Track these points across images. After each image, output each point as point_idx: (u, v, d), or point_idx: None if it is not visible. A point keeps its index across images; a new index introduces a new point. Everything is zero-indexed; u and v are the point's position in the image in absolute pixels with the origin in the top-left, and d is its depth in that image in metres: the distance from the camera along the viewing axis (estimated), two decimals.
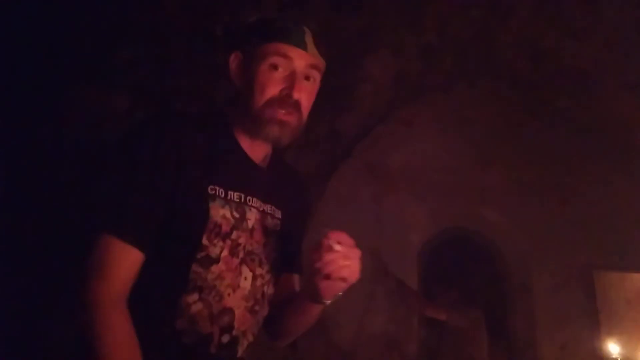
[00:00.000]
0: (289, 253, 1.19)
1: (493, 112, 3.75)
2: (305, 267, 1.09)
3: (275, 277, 1.16)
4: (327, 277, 1.00)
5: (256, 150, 1.13)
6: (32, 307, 2.12)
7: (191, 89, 2.46)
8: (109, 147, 1.06)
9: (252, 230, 1.09)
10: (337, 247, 0.99)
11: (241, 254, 1.07)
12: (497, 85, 3.58)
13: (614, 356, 3.28)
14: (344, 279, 1.01)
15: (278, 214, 1.17)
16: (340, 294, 1.06)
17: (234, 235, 1.06)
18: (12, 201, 2.23)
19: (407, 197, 3.81)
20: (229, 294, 1.04)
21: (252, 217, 1.10)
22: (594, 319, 3.67)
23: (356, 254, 1.02)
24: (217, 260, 1.03)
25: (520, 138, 3.79)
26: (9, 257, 2.13)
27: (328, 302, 1.07)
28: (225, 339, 1.04)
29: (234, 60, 1.12)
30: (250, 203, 1.10)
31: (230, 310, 1.04)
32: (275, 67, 1.06)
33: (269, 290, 1.14)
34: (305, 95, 1.09)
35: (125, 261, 0.96)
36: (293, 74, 1.06)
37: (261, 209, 1.13)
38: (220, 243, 1.03)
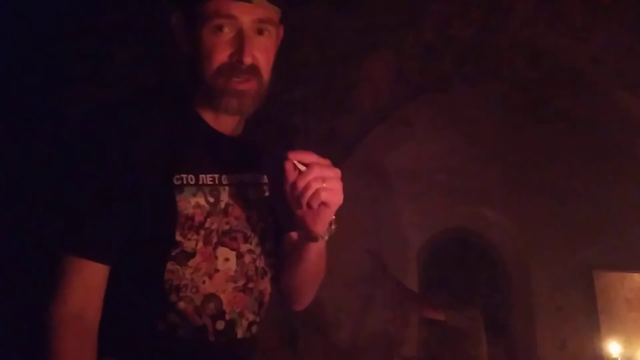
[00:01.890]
0: (286, 214, 1.08)
1: (493, 112, 3.74)
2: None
3: (268, 246, 1.09)
4: (308, 206, 0.91)
5: (223, 122, 1.02)
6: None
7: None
8: (56, 152, 0.99)
9: (225, 209, 1.01)
10: (302, 167, 0.89)
11: (214, 239, 0.99)
12: (497, 85, 3.57)
13: (614, 356, 3.28)
14: (325, 204, 0.91)
15: (263, 179, 1.08)
16: (333, 226, 0.98)
17: (208, 222, 0.98)
18: (12, 202, 2.23)
19: (407, 197, 3.81)
20: (203, 282, 0.98)
21: (224, 196, 1.01)
22: (594, 319, 3.67)
23: (332, 173, 0.91)
24: (193, 254, 0.97)
25: (520, 138, 3.78)
26: (7, 259, 2.13)
27: (323, 236, 0.98)
28: (220, 325, 1.00)
29: (175, 21, 0.98)
30: (224, 182, 1.01)
31: (213, 296, 0.99)
32: (219, 28, 0.92)
33: (263, 262, 1.08)
34: (262, 54, 0.94)
35: (84, 278, 0.91)
36: (240, 34, 0.92)
37: (238, 182, 1.03)
38: (195, 236, 0.97)
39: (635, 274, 3.75)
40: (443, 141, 3.80)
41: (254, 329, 1.07)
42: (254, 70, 0.94)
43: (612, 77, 3.09)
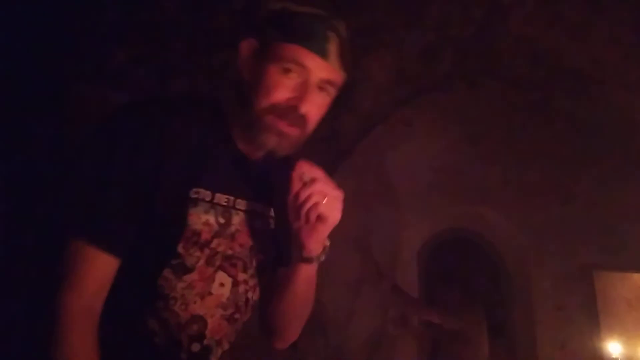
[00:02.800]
0: (284, 248, 1.08)
1: (493, 112, 3.75)
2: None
3: (263, 280, 1.08)
4: (306, 219, 0.93)
5: (252, 149, 1.02)
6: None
7: (191, 90, 2.46)
8: (83, 139, 0.97)
9: (234, 234, 1.00)
10: (306, 178, 0.92)
11: (218, 262, 0.99)
12: (497, 85, 3.57)
13: (614, 356, 3.28)
14: (322, 219, 0.94)
15: (270, 212, 1.08)
16: (327, 245, 1.00)
17: (214, 243, 0.97)
18: (12, 201, 2.23)
19: (407, 197, 3.80)
20: (194, 302, 0.97)
21: (236, 220, 1.01)
22: (594, 319, 3.67)
23: (335, 192, 0.95)
24: (191, 270, 0.96)
25: (521, 138, 3.78)
26: (7, 259, 2.13)
27: (314, 257, 1.00)
28: (196, 348, 0.99)
29: (246, 47, 0.98)
30: (238, 207, 1.01)
31: (200, 319, 0.98)
32: (288, 71, 0.94)
33: (254, 296, 1.07)
34: (315, 109, 0.97)
35: (97, 269, 0.90)
36: (306, 83, 0.94)
37: (250, 210, 1.03)
38: (197, 253, 0.96)
39: (635, 274, 3.76)
40: (443, 141, 3.80)
41: (224, 355, 1.06)
42: (303, 120, 0.96)
43: (612, 77, 3.09)
